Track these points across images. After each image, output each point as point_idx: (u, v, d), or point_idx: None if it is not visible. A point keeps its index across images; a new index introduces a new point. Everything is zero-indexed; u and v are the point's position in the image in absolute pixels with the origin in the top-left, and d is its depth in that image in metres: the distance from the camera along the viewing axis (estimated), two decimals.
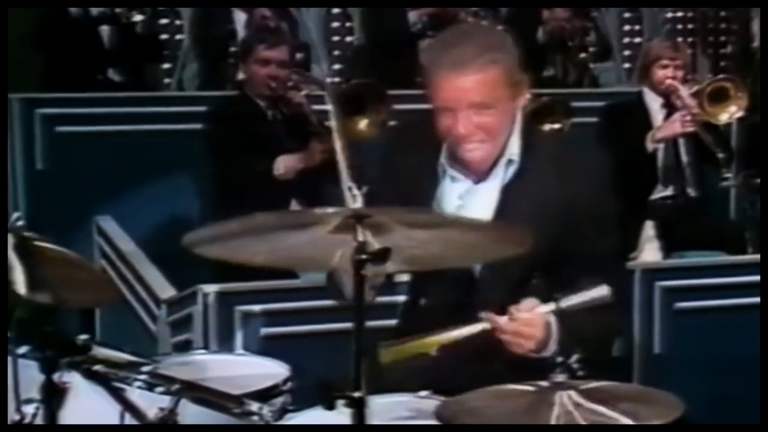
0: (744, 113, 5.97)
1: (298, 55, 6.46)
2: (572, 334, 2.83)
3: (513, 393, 2.36)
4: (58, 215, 5.60)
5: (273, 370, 2.99)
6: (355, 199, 2.25)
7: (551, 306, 2.79)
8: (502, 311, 2.82)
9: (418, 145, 3.14)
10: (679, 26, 9.18)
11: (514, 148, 3.06)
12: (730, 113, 5.92)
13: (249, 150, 5.46)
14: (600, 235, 3.02)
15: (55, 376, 2.15)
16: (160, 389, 2.36)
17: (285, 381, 2.90)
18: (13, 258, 2.58)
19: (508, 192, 3.05)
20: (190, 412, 2.43)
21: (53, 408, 2.10)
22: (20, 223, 2.68)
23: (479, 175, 3.08)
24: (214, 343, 4.06)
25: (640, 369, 4.47)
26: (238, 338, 4.07)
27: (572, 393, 2.20)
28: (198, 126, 5.71)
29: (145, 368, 2.40)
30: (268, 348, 3.89)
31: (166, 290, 4.62)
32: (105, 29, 6.65)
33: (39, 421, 2.24)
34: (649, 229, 5.80)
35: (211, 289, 4.09)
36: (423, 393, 2.75)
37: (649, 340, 4.47)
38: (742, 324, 4.43)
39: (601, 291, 2.75)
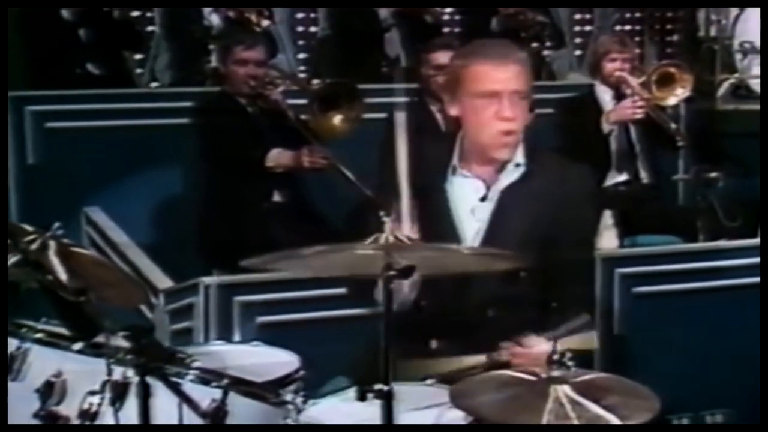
0: (691, 94, 6.37)
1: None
2: None
3: (512, 380, 2.62)
4: (49, 208, 5.73)
5: (284, 359, 3.25)
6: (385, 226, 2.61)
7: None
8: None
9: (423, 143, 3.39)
10: (627, 15, 9.48)
11: (520, 153, 3.35)
12: (677, 95, 6.33)
13: (234, 143, 5.71)
14: (584, 237, 3.40)
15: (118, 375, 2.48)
16: (214, 384, 2.68)
17: (297, 370, 3.23)
18: (55, 262, 2.89)
19: (510, 193, 3.33)
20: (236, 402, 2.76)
21: (146, 403, 2.42)
22: (60, 231, 3.00)
23: (490, 175, 3.36)
24: (214, 330, 4.31)
25: (601, 349, 4.76)
26: (237, 326, 4.32)
27: (566, 387, 2.50)
28: (183, 121, 5.92)
29: (195, 363, 2.71)
30: (264, 335, 4.18)
31: (159, 279, 4.88)
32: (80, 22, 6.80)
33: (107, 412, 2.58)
34: (607, 217, 6.05)
35: (212, 281, 4.36)
36: (429, 381, 3.02)
37: (609, 322, 4.69)
38: (696, 307, 4.72)
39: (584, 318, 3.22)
